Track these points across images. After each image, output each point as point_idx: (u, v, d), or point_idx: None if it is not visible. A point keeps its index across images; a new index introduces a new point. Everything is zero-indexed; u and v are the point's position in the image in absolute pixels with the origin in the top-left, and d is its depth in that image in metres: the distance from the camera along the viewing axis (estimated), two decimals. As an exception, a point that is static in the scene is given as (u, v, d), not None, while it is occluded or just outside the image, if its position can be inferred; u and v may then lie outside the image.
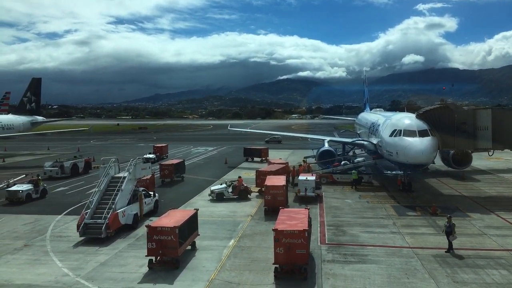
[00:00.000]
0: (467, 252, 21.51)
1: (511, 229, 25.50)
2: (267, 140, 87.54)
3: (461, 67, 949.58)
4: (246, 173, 45.55)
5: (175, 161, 45.48)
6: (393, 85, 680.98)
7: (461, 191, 36.93)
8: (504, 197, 34.75)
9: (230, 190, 34.84)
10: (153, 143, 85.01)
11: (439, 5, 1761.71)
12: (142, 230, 24.54)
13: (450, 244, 21.63)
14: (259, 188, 36.33)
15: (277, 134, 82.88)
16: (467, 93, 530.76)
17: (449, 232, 21.54)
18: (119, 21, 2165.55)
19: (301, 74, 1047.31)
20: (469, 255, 21.09)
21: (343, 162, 43.66)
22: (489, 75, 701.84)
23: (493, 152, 35.70)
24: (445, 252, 21.47)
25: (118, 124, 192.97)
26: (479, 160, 49.81)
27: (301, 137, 78.34)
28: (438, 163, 43.45)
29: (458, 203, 32.53)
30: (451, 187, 38.92)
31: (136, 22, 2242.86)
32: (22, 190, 34.07)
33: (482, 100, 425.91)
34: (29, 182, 35.81)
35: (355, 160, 44.38)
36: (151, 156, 57.76)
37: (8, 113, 75.15)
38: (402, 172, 37.23)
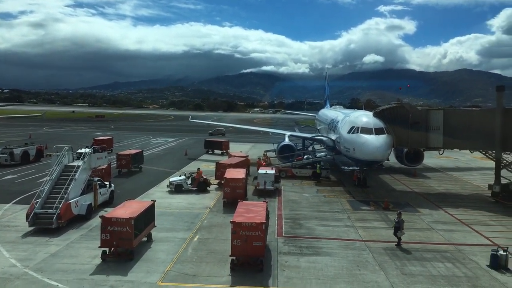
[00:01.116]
0: (415, 246, 22.52)
1: (457, 225, 26.96)
2: (211, 133, 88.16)
3: (417, 68, 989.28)
4: (206, 165, 45.29)
5: (133, 151, 44.47)
6: (353, 83, 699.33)
7: (412, 188, 38.56)
8: (451, 194, 36.61)
9: (189, 182, 34.53)
10: (112, 133, 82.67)
11: (399, 7, 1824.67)
12: (96, 221, 23.87)
13: (398, 239, 22.58)
14: (218, 181, 36.26)
15: (221, 127, 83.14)
16: (422, 94, 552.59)
17: (398, 228, 22.46)
18: (78, 4, 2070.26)
19: (265, 68, 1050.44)
20: (417, 249, 22.11)
21: (305, 156, 44.43)
22: (443, 78, 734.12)
23: (444, 151, 37.51)
24: (395, 245, 22.40)
25: (73, 111, 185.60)
26: (431, 159, 52.16)
27: (263, 131, 78.87)
28: (392, 160, 45.14)
29: (409, 198, 33.95)
30: (404, 183, 40.55)
31: (96, 7, 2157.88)
32: None
33: (436, 101, 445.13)
34: None
35: (318, 155, 45.23)
36: (86, 150, 47.65)
37: None
38: (358, 168, 38.34)
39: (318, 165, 40.57)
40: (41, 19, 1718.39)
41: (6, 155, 43.46)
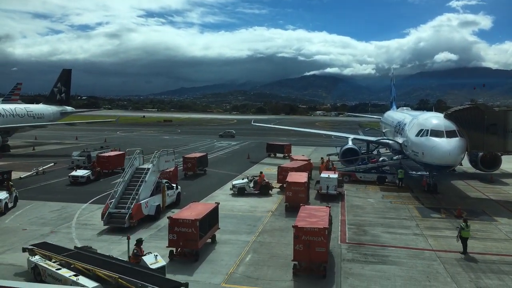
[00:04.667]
0: (492, 257, 20.95)
1: (540, 236, 24.63)
2: (221, 135, 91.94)
3: (494, 66, 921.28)
4: (268, 169, 45.57)
5: (198, 155, 45.98)
6: (422, 84, 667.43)
7: (488, 195, 35.88)
8: (534, 202, 33.54)
9: (251, 185, 34.94)
10: (177, 136, 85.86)
11: (473, 2, 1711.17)
12: (164, 222, 24.86)
13: (463, 247, 21.50)
14: (280, 184, 36.30)
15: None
16: (499, 93, 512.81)
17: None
18: (149, 14, 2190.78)
19: (328, 70, 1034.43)
20: (494, 261, 20.54)
21: (381, 159, 43.04)
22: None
23: (525, 155, 34.53)
24: (460, 253, 21.28)
25: (144, 116, 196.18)
26: (509, 163, 48.16)
27: (325, 135, 77.80)
28: (466, 165, 42.40)
29: (485, 206, 31.65)
30: (478, 190, 37.87)
31: (166, 16, 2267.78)
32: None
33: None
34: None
35: (394, 158, 43.57)
36: (82, 173, 38.75)
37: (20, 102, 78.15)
38: (427, 173, 36.47)
39: (401, 170, 39.04)
40: (116, 30, 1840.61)
41: (84, 158, 46.76)
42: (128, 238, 19.08)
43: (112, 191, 26.96)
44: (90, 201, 31.33)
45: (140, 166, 28.55)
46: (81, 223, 25.97)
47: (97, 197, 32.31)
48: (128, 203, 25.22)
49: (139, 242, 18.35)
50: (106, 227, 24.68)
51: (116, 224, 24.60)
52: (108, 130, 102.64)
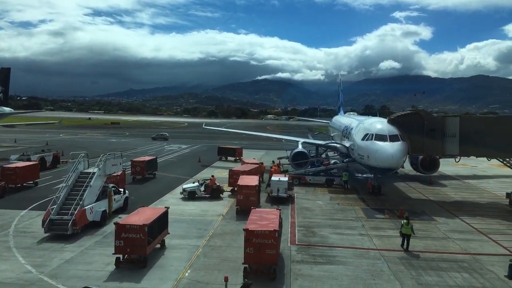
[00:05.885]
0: (431, 255, 22.15)
1: (474, 234, 26.43)
2: (154, 137, 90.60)
3: (434, 75, 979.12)
4: (219, 172, 45.38)
5: (147, 158, 44.86)
6: (368, 90, 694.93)
7: (428, 196, 37.98)
8: (468, 202, 35.93)
9: (202, 188, 34.62)
10: (126, 139, 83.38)
11: (415, 13, 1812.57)
12: (110, 228, 23.99)
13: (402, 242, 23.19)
14: (231, 188, 36.28)
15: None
16: (438, 100, 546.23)
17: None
18: (97, 13, 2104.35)
19: (280, 75, 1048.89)
20: (433, 258, 21.72)
21: (333, 161, 44.23)
22: (459, 84, 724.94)
23: (460, 158, 36.93)
24: (401, 246, 23.06)
25: (89, 118, 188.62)
26: (446, 166, 51.29)
27: (276, 138, 78.79)
28: (407, 167, 44.59)
29: (425, 207, 33.44)
30: (419, 191, 39.98)
31: (115, 15, 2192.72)
32: None
33: (451, 108, 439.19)
34: None
35: (345, 160, 45.05)
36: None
37: None
38: (372, 176, 37.98)
39: (345, 173, 40.32)
40: (60, 28, 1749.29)
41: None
42: (226, 280, 16.68)
43: (54, 196, 25.62)
44: (29, 208, 29.57)
45: (85, 170, 27.38)
46: (20, 231, 24.43)
47: (37, 203, 30.55)
48: (72, 209, 24.09)
49: (247, 286, 15.15)
50: (47, 234, 23.39)
51: (58, 232, 23.38)
52: (50, 133, 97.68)
